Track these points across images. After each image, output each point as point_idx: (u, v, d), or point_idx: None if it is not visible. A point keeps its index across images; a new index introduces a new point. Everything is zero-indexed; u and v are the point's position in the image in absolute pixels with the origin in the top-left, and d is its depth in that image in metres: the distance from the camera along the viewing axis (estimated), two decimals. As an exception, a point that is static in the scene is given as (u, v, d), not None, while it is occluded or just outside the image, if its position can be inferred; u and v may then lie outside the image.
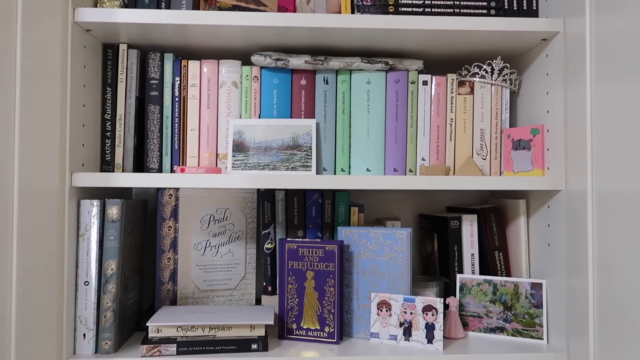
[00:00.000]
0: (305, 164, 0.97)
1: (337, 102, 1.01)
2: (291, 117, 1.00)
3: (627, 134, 0.73)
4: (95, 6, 0.94)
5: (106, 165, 0.97)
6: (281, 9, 1.11)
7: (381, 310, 0.93)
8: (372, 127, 1.00)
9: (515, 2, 0.97)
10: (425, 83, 1.02)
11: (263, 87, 1.00)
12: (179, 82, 0.98)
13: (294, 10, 1.06)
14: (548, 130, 0.94)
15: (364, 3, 0.96)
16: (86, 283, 0.86)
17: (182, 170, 0.89)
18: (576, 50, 0.85)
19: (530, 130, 0.96)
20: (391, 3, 0.96)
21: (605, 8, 0.77)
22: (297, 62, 0.98)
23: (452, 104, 1.02)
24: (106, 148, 0.97)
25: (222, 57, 1.05)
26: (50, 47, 0.79)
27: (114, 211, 0.87)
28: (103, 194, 0.96)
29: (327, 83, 1.01)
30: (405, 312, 0.91)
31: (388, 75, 1.01)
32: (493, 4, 0.96)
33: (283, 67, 0.99)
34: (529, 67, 1.03)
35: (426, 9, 0.96)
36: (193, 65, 0.99)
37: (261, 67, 1.00)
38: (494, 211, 1.03)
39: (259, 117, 1.00)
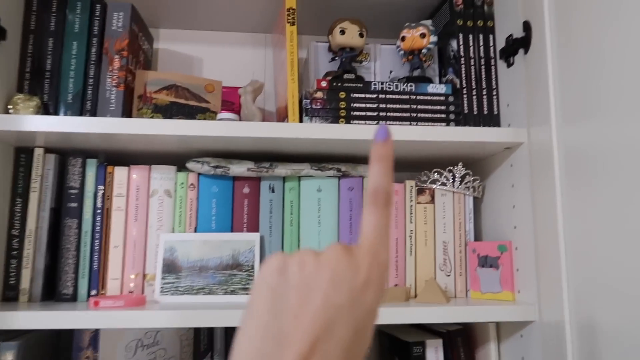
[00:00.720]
0: (247, 285, 0.84)
1: (285, 213, 0.90)
2: (232, 231, 0.88)
3: (604, 253, 0.64)
4: (6, 109, 0.82)
5: (10, 290, 0.82)
6: (226, 104, 1.02)
7: None
8: (324, 240, 0.89)
9: (475, 107, 0.91)
10: (382, 190, 0.92)
11: (200, 196, 0.88)
12: (102, 191, 0.86)
13: (239, 106, 0.97)
14: (517, 249, 0.85)
15: (313, 107, 0.87)
16: None
17: (96, 304, 0.75)
18: (543, 162, 0.77)
19: (497, 247, 0.87)
20: (342, 107, 0.88)
21: (573, 118, 0.71)
22: (239, 169, 0.87)
23: (411, 213, 0.92)
24: (11, 270, 0.82)
25: (155, 162, 0.94)
26: None
27: (8, 358, 0.72)
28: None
29: (273, 191, 0.90)
30: None
31: (341, 182, 0.91)
32: (452, 109, 0.89)
33: (224, 175, 0.88)
34: (493, 173, 0.95)
35: (380, 115, 0.88)
36: (120, 172, 0.87)
37: (199, 174, 0.89)
38: (462, 334, 0.91)
39: (195, 231, 0.88)
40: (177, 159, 0.95)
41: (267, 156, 0.95)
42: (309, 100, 0.87)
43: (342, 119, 0.87)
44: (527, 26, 0.82)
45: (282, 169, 0.88)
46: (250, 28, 1.12)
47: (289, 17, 0.89)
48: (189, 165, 0.87)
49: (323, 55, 0.98)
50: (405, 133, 0.82)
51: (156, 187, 0.88)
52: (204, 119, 0.98)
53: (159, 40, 1.13)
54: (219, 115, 0.93)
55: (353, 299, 0.30)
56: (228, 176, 0.89)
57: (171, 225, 0.88)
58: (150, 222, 0.87)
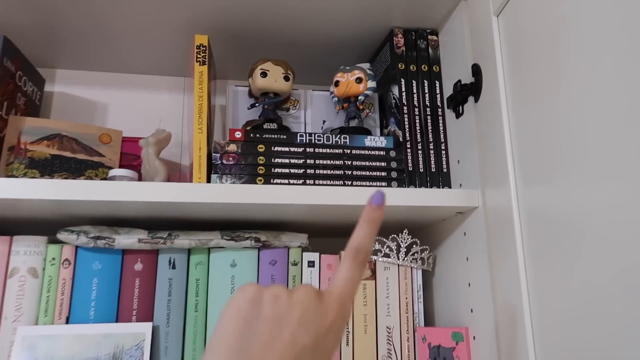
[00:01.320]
0: (131, 396, 0.64)
1: (188, 295, 0.71)
2: (117, 321, 0.69)
3: (583, 342, 0.48)
4: None
5: None
6: (126, 157, 0.85)
7: None
8: (238, 330, 0.71)
9: (421, 163, 0.77)
10: (311, 264, 0.75)
11: (77, 276, 0.69)
12: (-59, 271, 0.65)
13: (140, 161, 0.79)
14: (474, 338, 0.69)
15: (224, 162, 0.71)
16: None
17: None
18: (502, 230, 0.63)
19: (452, 335, 0.70)
20: (261, 163, 0.72)
21: (535, 177, 0.57)
22: (127, 240, 0.69)
23: (348, 292, 0.75)
24: None
25: (18, 231, 0.74)
26: None
27: None
28: None
29: (174, 267, 0.71)
30: None
31: (261, 255, 0.74)
32: (394, 165, 0.75)
33: (108, 247, 0.69)
34: (445, 241, 0.80)
35: (308, 172, 0.73)
36: (-31, 245, 0.67)
37: (77, 246, 0.70)
38: None
39: (67, 322, 0.67)
40: (51, 226, 0.75)
41: (169, 223, 0.77)
42: (219, 155, 0.71)
43: (260, 178, 0.71)
44: (476, 69, 0.69)
45: (184, 240, 0.70)
46: (167, 70, 0.97)
47: (199, 56, 0.74)
48: (60, 236, 0.67)
49: (243, 101, 0.83)
50: (338, 196, 0.66)
51: (17, 264, 0.68)
52: (95, 175, 0.79)
53: (54, 82, 0.95)
54: (111, 172, 0.75)
55: (317, 341, 0.32)
56: (114, 249, 0.70)
57: (34, 314, 0.67)
58: (6, 312, 0.66)
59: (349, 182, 0.73)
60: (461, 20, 0.74)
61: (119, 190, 0.62)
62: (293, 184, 0.72)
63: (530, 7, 0.57)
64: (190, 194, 0.63)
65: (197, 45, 0.75)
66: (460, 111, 0.74)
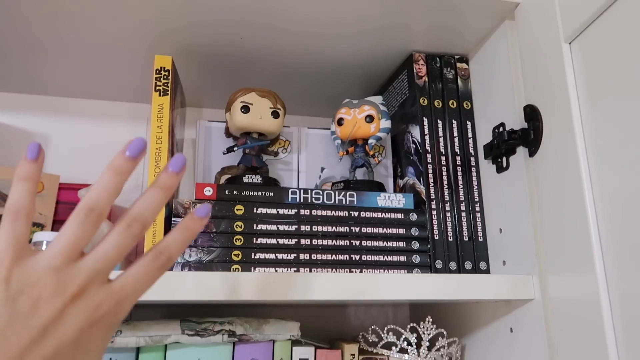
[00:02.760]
0: None
1: (134, 412, 0.52)
2: None
3: None
4: None
5: None
6: (64, 208, 0.66)
7: None
8: None
9: (449, 230, 0.58)
10: (304, 364, 0.56)
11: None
12: None
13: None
14: None
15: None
16: None
17: None
18: (582, 334, 0.44)
19: None
20: (239, 231, 0.53)
21: (634, 258, 0.39)
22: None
23: (352, 403, 0.56)
24: None
25: None
26: None
27: None
28: None
29: (115, 373, 0.52)
30: None
31: (237, 351, 0.55)
32: (415, 236, 0.57)
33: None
34: (478, 332, 0.61)
35: (301, 248, 0.54)
36: None
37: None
38: None
39: None
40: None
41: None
42: (178, 222, 0.52)
43: (236, 252, 0.52)
44: (532, 113, 0.52)
45: (130, 337, 0.51)
46: (126, 95, 0.77)
47: (159, 83, 0.56)
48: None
49: (219, 142, 0.64)
50: (342, 287, 0.47)
51: None
52: (16, 238, 0.59)
53: (-19, 107, 0.75)
54: (37, 236, 0.55)
55: (80, 336, 0.28)
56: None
57: None
58: None
59: (356, 258, 0.55)
60: (505, 45, 0.57)
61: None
62: (281, 260, 0.53)
63: (621, 31, 0.40)
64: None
65: (157, 69, 0.56)
66: (504, 164, 0.56)
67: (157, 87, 0.56)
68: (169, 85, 0.56)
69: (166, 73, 0.56)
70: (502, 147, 0.55)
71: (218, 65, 0.67)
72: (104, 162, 0.76)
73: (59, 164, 0.75)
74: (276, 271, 0.52)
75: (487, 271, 0.58)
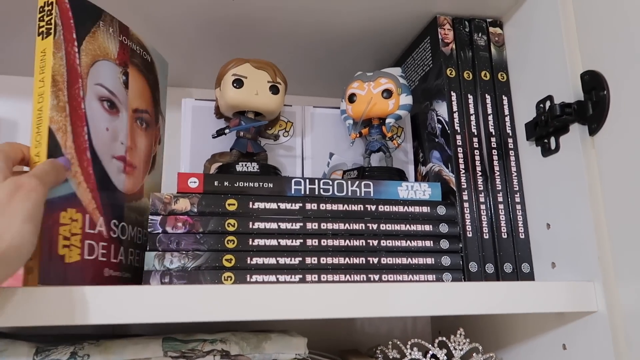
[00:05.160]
0: None
1: None
2: None
3: None
4: None
5: None
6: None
7: None
8: None
9: (485, 226, 0.49)
10: (312, 388, 0.47)
11: None
12: None
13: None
14: None
15: (169, 230, 0.42)
16: None
17: None
18: None
19: None
20: (231, 230, 0.43)
21: None
22: (-3, 370, 0.40)
23: None
24: None
25: None
26: None
27: None
28: None
29: (83, 405, 0.43)
30: None
31: (232, 375, 0.45)
32: (444, 234, 0.47)
33: (-36, 379, 0.40)
34: (517, 345, 0.52)
35: (308, 251, 0.44)
36: None
37: None
38: None
39: None
40: None
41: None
42: (159, 219, 0.42)
43: (229, 257, 0.43)
44: (593, 79, 0.42)
45: (97, 357, 0.42)
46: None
47: (41, 22, 0.42)
48: None
49: (208, 123, 0.55)
50: (356, 302, 0.38)
51: None
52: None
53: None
54: None
55: None
56: (-22, 380, 0.41)
57: None
58: None
59: (374, 261, 0.45)
60: (553, 2, 0.47)
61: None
62: (283, 266, 0.43)
63: None
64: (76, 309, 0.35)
65: (40, 6, 0.43)
66: (553, 146, 0.46)
67: (40, 28, 0.43)
68: (52, 21, 0.42)
69: (49, 7, 0.43)
70: (551, 124, 0.45)
71: (205, 34, 0.57)
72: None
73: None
74: (277, 279, 0.43)
75: (531, 275, 0.48)
